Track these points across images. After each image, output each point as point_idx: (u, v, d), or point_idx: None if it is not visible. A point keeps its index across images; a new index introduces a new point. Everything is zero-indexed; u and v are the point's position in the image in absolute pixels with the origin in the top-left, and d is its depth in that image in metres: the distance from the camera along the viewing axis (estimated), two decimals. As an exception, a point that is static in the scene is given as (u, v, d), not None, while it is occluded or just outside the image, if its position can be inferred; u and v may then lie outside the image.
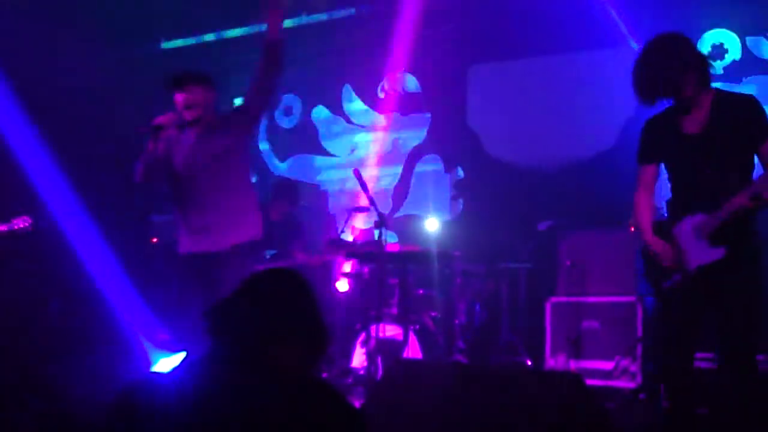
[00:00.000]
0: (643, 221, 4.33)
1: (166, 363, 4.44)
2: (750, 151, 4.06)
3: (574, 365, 7.28)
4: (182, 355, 4.48)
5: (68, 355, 6.64)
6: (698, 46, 8.30)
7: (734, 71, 8.42)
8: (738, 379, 4.00)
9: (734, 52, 8.51)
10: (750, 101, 4.09)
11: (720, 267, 3.98)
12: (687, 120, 4.14)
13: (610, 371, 7.11)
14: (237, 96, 11.32)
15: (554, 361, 7.44)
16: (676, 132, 4.17)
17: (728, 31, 8.56)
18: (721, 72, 8.48)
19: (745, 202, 3.90)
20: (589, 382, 6.86)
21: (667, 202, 4.39)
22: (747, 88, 8.17)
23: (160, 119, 5.15)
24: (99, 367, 6.25)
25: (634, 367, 7.00)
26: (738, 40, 8.52)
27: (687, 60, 4.07)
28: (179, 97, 5.21)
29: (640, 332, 7.05)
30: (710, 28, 8.61)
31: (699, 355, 4.44)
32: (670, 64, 4.05)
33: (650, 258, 4.26)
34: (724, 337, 4.02)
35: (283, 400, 2.42)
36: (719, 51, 8.55)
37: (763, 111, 4.05)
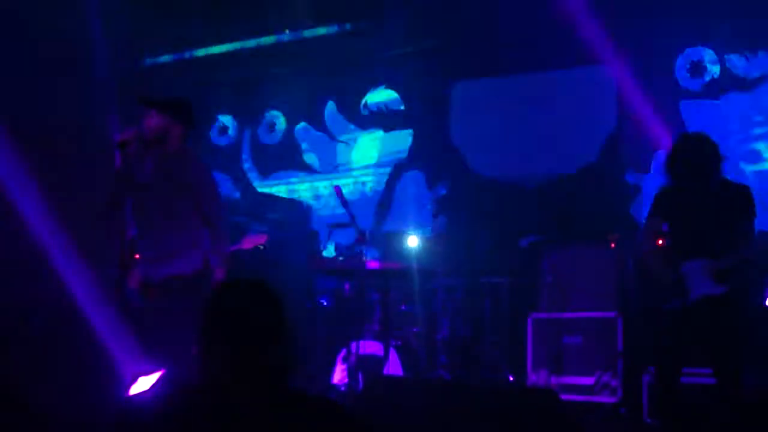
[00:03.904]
0: (656, 261, 5.35)
1: (144, 383, 4.44)
2: (738, 224, 5.17)
3: (555, 380, 7.29)
4: (159, 374, 4.49)
5: (47, 370, 6.62)
6: (677, 63, 8.55)
7: (713, 88, 8.50)
8: (725, 392, 5.00)
9: (713, 70, 8.58)
10: (746, 191, 5.25)
11: (720, 299, 5.02)
12: (697, 194, 5.19)
13: (592, 386, 7.14)
14: (219, 113, 11.39)
15: (536, 377, 7.45)
16: (688, 201, 5.20)
17: (707, 49, 8.63)
18: (701, 89, 8.56)
19: (737, 260, 5.08)
20: (571, 397, 6.95)
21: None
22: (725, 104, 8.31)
23: (123, 136, 5.13)
24: (78, 384, 6.23)
25: (614, 382, 7.03)
26: (717, 57, 8.59)
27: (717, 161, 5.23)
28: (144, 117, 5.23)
29: (620, 347, 7.08)
30: (690, 46, 8.68)
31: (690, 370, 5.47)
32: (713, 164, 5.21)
33: (654, 283, 5.32)
34: (715, 355, 5.09)
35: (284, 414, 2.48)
36: (698, 68, 8.62)
37: (752, 200, 5.19)
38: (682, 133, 5.77)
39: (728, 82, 8.50)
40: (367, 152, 10.47)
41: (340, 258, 8.83)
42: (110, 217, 5.41)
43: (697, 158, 5.21)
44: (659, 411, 5.38)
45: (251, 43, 10.80)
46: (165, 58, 11.22)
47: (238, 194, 11.01)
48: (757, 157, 8.23)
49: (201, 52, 11.08)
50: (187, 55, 11.13)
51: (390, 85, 10.34)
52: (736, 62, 8.50)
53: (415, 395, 4.44)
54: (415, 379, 6.97)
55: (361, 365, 6.63)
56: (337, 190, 6.69)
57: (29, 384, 6.22)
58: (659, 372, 5.24)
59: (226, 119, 11.45)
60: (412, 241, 8.38)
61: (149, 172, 5.24)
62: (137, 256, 6.55)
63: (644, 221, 5.60)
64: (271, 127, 11.17)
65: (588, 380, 7.16)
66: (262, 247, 7.85)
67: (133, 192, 5.31)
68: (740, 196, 5.25)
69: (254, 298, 2.66)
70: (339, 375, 7.29)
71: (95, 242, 8.58)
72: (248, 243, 7.31)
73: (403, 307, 7.93)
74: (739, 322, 5.14)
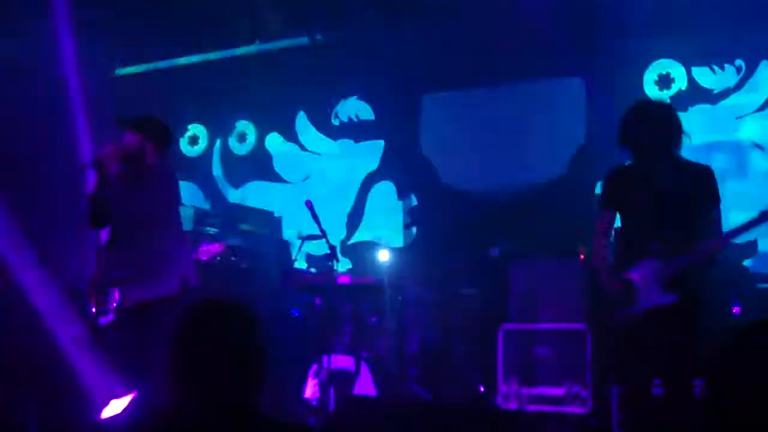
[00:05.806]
0: (602, 264, 4.88)
1: (115, 405, 4.42)
2: (702, 212, 4.64)
3: (526, 391, 7.32)
4: (130, 397, 4.48)
5: (17, 392, 6.56)
6: (645, 75, 8.62)
7: (680, 101, 8.58)
8: (678, 405, 4.56)
9: (680, 82, 8.68)
10: (708, 172, 4.70)
11: (670, 310, 4.53)
12: (655, 178, 4.65)
13: (562, 397, 7.17)
14: (190, 122, 11.36)
15: (506, 387, 7.48)
16: (644, 186, 4.67)
17: (674, 61, 8.73)
18: (668, 101, 8.64)
19: (698, 258, 4.53)
20: (541, 407, 6.99)
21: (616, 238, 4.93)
22: (692, 116, 8.38)
23: (101, 153, 5.08)
24: (49, 406, 6.18)
25: (584, 393, 7.07)
26: (684, 70, 8.69)
27: (678, 130, 4.71)
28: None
29: (590, 358, 7.13)
30: (657, 58, 8.78)
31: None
32: (668, 132, 4.69)
33: (603, 293, 4.84)
34: (667, 367, 4.62)
35: None
36: (666, 80, 8.72)
37: (716, 182, 4.66)
38: (640, 99, 5.25)
39: (695, 95, 8.60)
40: (338, 162, 10.47)
41: (312, 270, 8.83)
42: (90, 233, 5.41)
43: (661, 127, 4.66)
44: (628, 426, 5.06)
45: (222, 53, 10.78)
46: (135, 69, 11.18)
47: (208, 205, 10.97)
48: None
49: (172, 63, 11.04)
50: (157, 65, 11.09)
51: (361, 96, 10.36)
52: (704, 74, 8.60)
53: (387, 415, 4.45)
54: (386, 399, 6.96)
55: (332, 380, 6.62)
56: (308, 204, 6.69)
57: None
58: (627, 388, 4.95)
59: (196, 129, 11.42)
60: (383, 255, 8.38)
61: (126, 188, 5.20)
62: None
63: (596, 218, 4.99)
64: (242, 137, 11.15)
65: (558, 391, 7.19)
66: (219, 258, 7.76)
67: (114, 209, 5.25)
68: (703, 179, 4.67)
69: (229, 323, 2.63)
70: (310, 390, 7.27)
71: (63, 257, 8.53)
72: (204, 254, 7.21)
73: (373, 320, 7.93)
74: (694, 334, 4.60)
